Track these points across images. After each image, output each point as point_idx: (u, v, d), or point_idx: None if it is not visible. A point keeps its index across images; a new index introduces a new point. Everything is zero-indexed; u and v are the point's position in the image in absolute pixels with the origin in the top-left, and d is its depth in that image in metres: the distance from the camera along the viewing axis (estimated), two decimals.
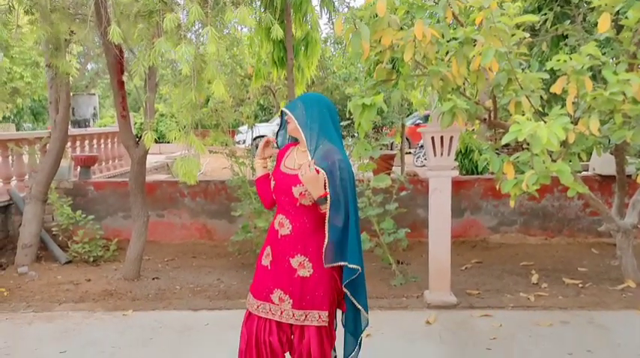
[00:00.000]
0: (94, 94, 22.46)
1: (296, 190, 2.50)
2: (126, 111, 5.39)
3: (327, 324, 2.59)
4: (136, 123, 18.83)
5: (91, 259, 6.12)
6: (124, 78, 5.39)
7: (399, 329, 4.09)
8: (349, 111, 4.06)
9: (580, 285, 5.01)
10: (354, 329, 2.72)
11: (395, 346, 3.79)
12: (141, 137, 5.37)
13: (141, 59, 3.79)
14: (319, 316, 2.56)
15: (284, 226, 2.57)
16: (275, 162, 2.72)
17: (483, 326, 4.13)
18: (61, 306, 4.72)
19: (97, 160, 9.09)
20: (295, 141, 2.68)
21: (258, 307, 2.62)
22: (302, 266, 2.54)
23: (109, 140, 11.03)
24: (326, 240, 2.46)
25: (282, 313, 2.57)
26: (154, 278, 5.54)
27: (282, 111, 2.65)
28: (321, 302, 2.55)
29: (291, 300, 2.55)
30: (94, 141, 10.39)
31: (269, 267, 2.62)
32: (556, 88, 3.21)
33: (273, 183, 2.62)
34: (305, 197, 2.49)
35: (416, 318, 4.29)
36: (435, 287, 4.65)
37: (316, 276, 2.53)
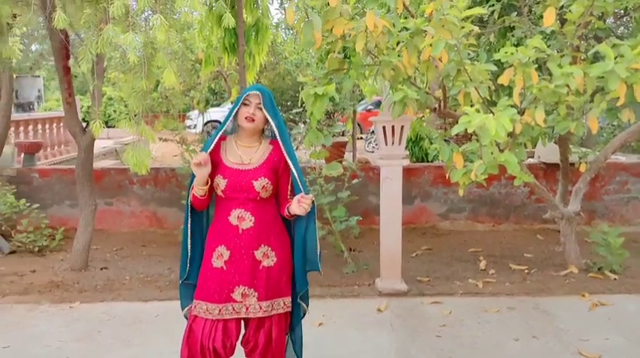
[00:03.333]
0: (38, 77, 21.61)
1: (258, 184, 2.53)
2: (72, 98, 5.21)
3: (290, 310, 2.67)
4: (82, 106, 18.24)
5: (36, 249, 5.92)
6: (70, 62, 5.20)
7: (350, 317, 4.13)
8: (301, 99, 4.04)
9: (526, 271, 5.18)
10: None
11: (346, 334, 3.83)
12: (88, 122, 5.21)
13: (88, 46, 3.65)
14: (284, 303, 2.64)
15: (245, 220, 2.54)
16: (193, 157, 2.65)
17: (433, 313, 4.22)
18: (4, 299, 4.56)
19: (42, 146, 8.77)
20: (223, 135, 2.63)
21: (220, 311, 2.55)
22: (266, 256, 2.57)
23: (55, 125, 10.65)
24: (314, 246, 2.63)
25: (247, 309, 2.56)
26: (102, 269, 5.41)
27: (239, 98, 2.57)
28: (285, 289, 2.63)
29: (256, 293, 2.55)
30: (39, 127, 10.02)
31: (224, 268, 2.56)
32: (503, 79, 3.28)
33: (224, 181, 2.54)
34: (266, 190, 2.55)
35: (367, 306, 4.34)
36: (386, 275, 4.71)
37: (279, 264, 2.60)
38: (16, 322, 4.09)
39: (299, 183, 2.57)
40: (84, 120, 5.26)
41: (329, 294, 4.61)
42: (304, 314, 2.84)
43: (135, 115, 3.78)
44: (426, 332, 3.89)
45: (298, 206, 2.51)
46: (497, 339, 3.75)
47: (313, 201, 2.54)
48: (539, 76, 3.26)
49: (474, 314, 4.19)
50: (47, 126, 10.36)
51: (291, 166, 2.57)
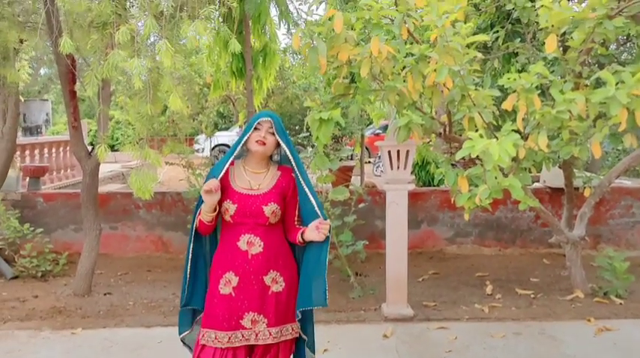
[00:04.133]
0: (46, 100, 21.84)
1: (268, 209, 2.53)
2: (77, 122, 5.25)
3: (297, 335, 2.65)
4: (90, 130, 18.39)
5: (39, 274, 5.90)
6: (77, 87, 5.26)
7: (356, 343, 4.10)
8: (307, 123, 4.07)
9: (532, 296, 5.13)
10: None
11: None
12: (94, 146, 5.25)
13: (94, 70, 3.71)
14: (292, 329, 2.62)
15: (254, 245, 2.53)
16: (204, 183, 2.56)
17: (439, 339, 4.18)
18: (5, 325, 4.54)
19: (47, 170, 8.82)
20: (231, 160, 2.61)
21: (230, 339, 2.52)
22: (275, 281, 2.56)
23: (61, 149, 10.72)
24: (319, 277, 2.53)
25: (257, 335, 2.53)
26: (105, 294, 5.39)
27: (249, 124, 2.57)
28: (294, 315, 2.60)
29: (265, 320, 2.53)
30: (45, 150, 10.09)
31: (233, 294, 2.53)
32: (507, 105, 3.29)
33: (233, 206, 2.53)
34: (276, 215, 2.56)
35: (373, 332, 4.31)
36: (393, 300, 4.68)
37: (287, 290, 2.58)
38: (17, 349, 4.06)
39: (317, 209, 2.56)
40: (91, 144, 5.29)
41: (335, 320, 4.57)
42: None
43: (140, 139, 3.81)
44: None
45: (317, 232, 2.49)
46: None
47: (330, 228, 2.52)
48: (542, 101, 3.27)
49: (480, 339, 4.14)
50: (54, 149, 10.44)
51: (307, 191, 2.57)
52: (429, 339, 4.20)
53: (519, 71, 3.60)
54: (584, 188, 5.02)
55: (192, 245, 2.67)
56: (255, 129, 2.55)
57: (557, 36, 3.32)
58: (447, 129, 4.27)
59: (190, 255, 2.67)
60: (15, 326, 4.51)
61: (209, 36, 3.62)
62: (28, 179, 7.51)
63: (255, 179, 2.59)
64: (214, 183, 2.48)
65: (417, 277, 5.75)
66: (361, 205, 5.85)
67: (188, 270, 2.68)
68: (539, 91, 3.22)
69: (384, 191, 4.73)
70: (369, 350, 3.99)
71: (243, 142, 2.58)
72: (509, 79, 3.17)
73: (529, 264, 6.34)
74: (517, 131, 3.15)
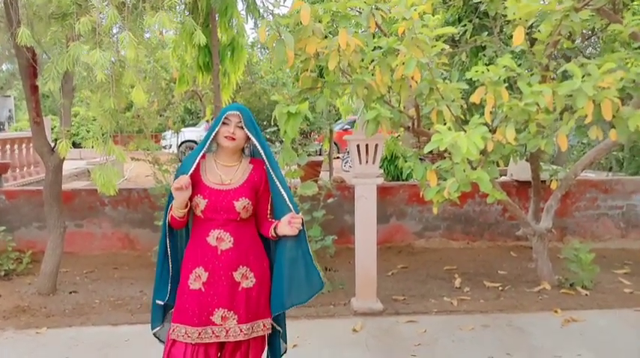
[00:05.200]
0: (9, 96, 21.29)
1: (239, 204, 2.48)
2: (39, 117, 5.10)
3: (270, 332, 2.62)
4: (54, 126, 17.97)
5: (2, 273, 5.73)
6: (38, 81, 5.11)
7: (326, 338, 4.08)
8: (274, 118, 4.03)
9: (500, 288, 5.19)
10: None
11: (321, 356, 3.77)
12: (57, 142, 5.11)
13: (54, 63, 3.59)
14: (263, 325, 2.59)
15: (224, 240, 2.49)
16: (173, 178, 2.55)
17: (408, 332, 4.19)
18: None
19: (9, 167, 8.57)
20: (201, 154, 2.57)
21: (200, 334, 2.47)
22: (245, 277, 2.51)
23: (24, 145, 10.44)
24: (312, 268, 2.56)
25: (227, 332, 2.49)
26: (71, 293, 5.26)
27: (218, 118, 2.52)
28: (264, 311, 2.57)
29: (236, 316, 2.49)
30: (7, 147, 9.81)
31: (202, 289, 2.49)
32: (475, 98, 3.31)
33: (204, 201, 2.48)
34: (247, 210, 2.51)
35: (343, 326, 4.29)
36: (362, 295, 4.68)
37: (258, 286, 2.54)
38: None
39: (288, 203, 2.53)
40: (54, 140, 5.14)
41: (304, 315, 4.54)
42: (284, 352, 2.79)
43: (103, 134, 3.71)
44: (401, 351, 3.86)
45: (290, 226, 2.46)
46: (472, 357, 3.73)
47: (303, 221, 2.49)
48: (509, 94, 3.30)
49: (449, 332, 4.17)
50: (17, 146, 10.16)
51: (279, 185, 2.53)
52: (398, 333, 4.21)
53: (487, 64, 3.62)
54: (551, 181, 5.09)
55: (165, 240, 2.62)
56: (224, 123, 2.50)
57: (525, 29, 3.35)
58: (416, 122, 4.28)
59: (163, 251, 2.63)
60: None
61: (174, 28, 3.53)
62: None
63: (226, 173, 2.54)
64: (184, 179, 2.44)
65: (386, 271, 5.77)
66: (330, 200, 5.83)
67: (161, 266, 2.64)
68: (506, 84, 3.25)
69: (353, 185, 4.72)
70: (338, 344, 3.98)
71: (212, 137, 2.54)
72: (477, 71, 3.19)
73: (497, 256, 6.42)
74: (485, 124, 3.17)
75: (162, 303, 2.66)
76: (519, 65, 3.77)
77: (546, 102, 3.11)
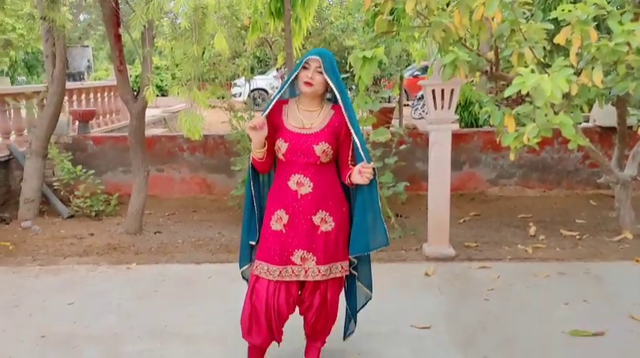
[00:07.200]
0: (87, 46, 22.11)
1: (318, 149, 2.53)
2: (123, 65, 5.32)
3: (347, 273, 2.71)
4: (131, 75, 18.60)
5: (93, 214, 6.17)
6: (121, 30, 5.30)
7: (398, 281, 4.16)
8: (349, 64, 4.02)
9: (577, 237, 5.08)
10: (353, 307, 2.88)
11: (395, 297, 3.86)
12: (139, 91, 5.33)
13: (141, 12, 3.70)
14: (342, 267, 2.68)
15: (304, 185, 2.57)
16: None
17: (481, 278, 4.21)
18: (65, 260, 4.78)
19: (95, 114, 9.03)
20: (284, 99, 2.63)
21: (280, 272, 2.60)
22: (324, 221, 2.59)
23: (106, 94, 10.91)
24: (376, 219, 2.60)
25: (306, 272, 2.60)
26: (155, 233, 5.60)
27: (299, 62, 2.55)
28: (343, 253, 2.66)
29: (314, 257, 2.59)
30: (91, 95, 10.29)
31: (283, 231, 2.59)
32: (560, 39, 3.17)
33: (285, 144, 2.54)
34: (327, 154, 2.56)
35: (415, 271, 4.35)
36: (434, 240, 4.71)
37: (336, 230, 2.62)
38: (77, 281, 4.29)
39: (361, 152, 2.54)
40: (133, 89, 5.36)
41: (375, 259, 4.60)
42: (368, 300, 2.88)
43: (187, 81, 3.84)
44: (473, 295, 3.88)
45: (360, 176, 2.49)
46: (547, 303, 3.72)
47: (374, 170, 2.52)
48: (597, 34, 3.14)
49: (523, 278, 4.15)
50: (99, 94, 10.63)
51: (353, 133, 2.54)
52: (470, 278, 4.23)
53: (574, 2, 3.44)
54: (638, 126, 4.84)
55: (250, 185, 2.72)
56: (304, 67, 2.52)
57: None
58: (494, 66, 4.16)
59: (249, 196, 2.74)
60: (74, 261, 4.76)
61: None
62: (77, 123, 7.72)
63: (307, 117, 2.58)
64: (259, 119, 2.50)
65: (458, 219, 5.74)
66: (402, 147, 5.80)
67: (249, 210, 2.75)
68: (595, 23, 3.08)
69: (426, 132, 4.68)
70: (410, 287, 4.06)
71: (291, 81, 2.58)
72: (563, 10, 3.04)
73: (575, 205, 6.24)
74: (569, 66, 3.05)
75: (250, 244, 2.79)
76: (609, 2, 3.56)
77: (638, 42, 2.95)
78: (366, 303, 2.89)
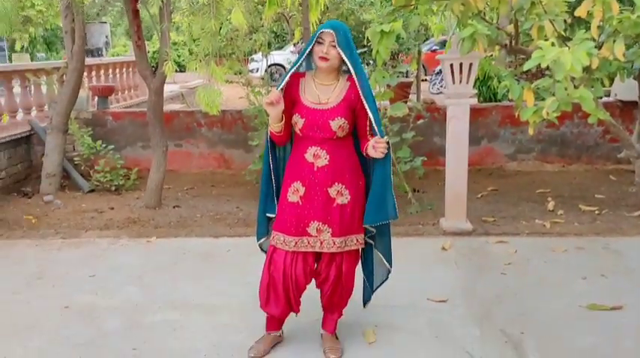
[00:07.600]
0: (105, 23, 22.14)
1: (334, 124, 2.55)
2: (141, 41, 5.34)
3: (363, 246, 2.75)
4: (149, 51, 18.61)
5: (113, 188, 6.26)
6: (139, 6, 5.31)
7: (415, 255, 4.18)
8: (366, 38, 3.99)
9: (596, 212, 5.05)
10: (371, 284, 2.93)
11: (411, 271, 3.88)
12: (157, 66, 5.35)
13: None
14: (357, 240, 2.71)
15: (320, 157, 2.59)
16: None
17: (499, 252, 4.22)
18: (87, 233, 4.89)
19: (114, 90, 9.09)
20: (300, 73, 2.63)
21: (296, 243, 2.64)
22: (340, 194, 2.62)
23: (124, 69, 10.96)
24: (386, 192, 2.62)
25: (322, 243, 2.64)
26: (174, 207, 5.67)
27: (313, 36, 2.54)
28: (358, 226, 2.68)
29: (330, 229, 2.62)
30: (109, 71, 10.34)
31: (300, 203, 2.63)
32: (581, 12, 3.11)
33: (302, 120, 2.56)
34: (343, 129, 2.58)
35: (432, 245, 4.38)
36: (451, 215, 4.71)
37: (352, 202, 2.64)
38: (99, 254, 4.39)
39: (374, 126, 2.55)
40: (155, 64, 5.38)
41: (393, 233, 4.56)
42: (388, 275, 2.91)
43: (205, 56, 3.85)
44: (491, 270, 3.90)
45: (374, 150, 2.51)
46: (565, 277, 3.72)
47: (389, 144, 2.53)
48: (620, 6, 3.08)
49: (541, 253, 4.15)
50: (117, 70, 10.68)
51: (367, 108, 2.54)
52: (488, 252, 4.24)
53: None
54: None
55: (269, 156, 2.75)
56: (318, 42, 2.52)
57: None
58: (514, 40, 4.10)
59: (267, 169, 2.77)
60: (96, 234, 4.86)
61: None
62: (96, 98, 7.79)
63: (324, 92, 2.59)
64: (275, 94, 2.52)
65: (476, 193, 5.72)
66: (420, 121, 5.78)
67: (266, 183, 2.79)
68: None
69: (443, 107, 4.65)
70: (427, 261, 4.08)
71: (306, 55, 2.58)
72: None
73: (594, 180, 6.19)
74: (590, 39, 3.00)
75: (267, 216, 2.83)
76: None
77: None
78: (387, 278, 2.92)
